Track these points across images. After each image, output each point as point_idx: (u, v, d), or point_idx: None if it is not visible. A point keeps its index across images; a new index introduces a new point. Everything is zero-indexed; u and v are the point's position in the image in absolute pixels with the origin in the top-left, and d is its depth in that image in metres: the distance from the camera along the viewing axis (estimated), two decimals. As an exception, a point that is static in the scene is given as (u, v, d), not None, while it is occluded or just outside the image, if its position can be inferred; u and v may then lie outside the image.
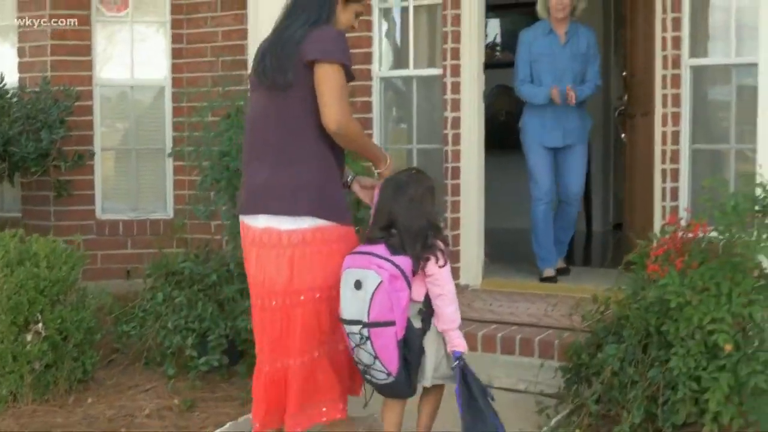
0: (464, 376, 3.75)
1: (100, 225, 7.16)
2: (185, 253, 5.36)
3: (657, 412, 4.08)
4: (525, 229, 6.66)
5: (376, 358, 3.70)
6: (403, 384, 3.80)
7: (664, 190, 5.73)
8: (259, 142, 3.85)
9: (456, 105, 6.25)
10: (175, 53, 7.23)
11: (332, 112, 3.65)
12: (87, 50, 7.13)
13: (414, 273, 3.73)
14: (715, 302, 3.92)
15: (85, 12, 7.12)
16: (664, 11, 5.67)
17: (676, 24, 5.67)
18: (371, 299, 3.65)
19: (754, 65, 5.20)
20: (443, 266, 3.77)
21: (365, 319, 3.66)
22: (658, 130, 5.74)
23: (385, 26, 6.68)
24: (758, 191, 4.14)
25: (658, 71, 5.72)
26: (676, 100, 5.69)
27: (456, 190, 6.22)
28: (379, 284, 3.65)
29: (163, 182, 7.33)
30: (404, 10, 6.62)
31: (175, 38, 7.23)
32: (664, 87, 5.71)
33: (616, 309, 4.39)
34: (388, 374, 3.74)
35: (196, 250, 5.46)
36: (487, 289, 6.15)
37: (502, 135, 7.99)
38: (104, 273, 6.94)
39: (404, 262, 3.71)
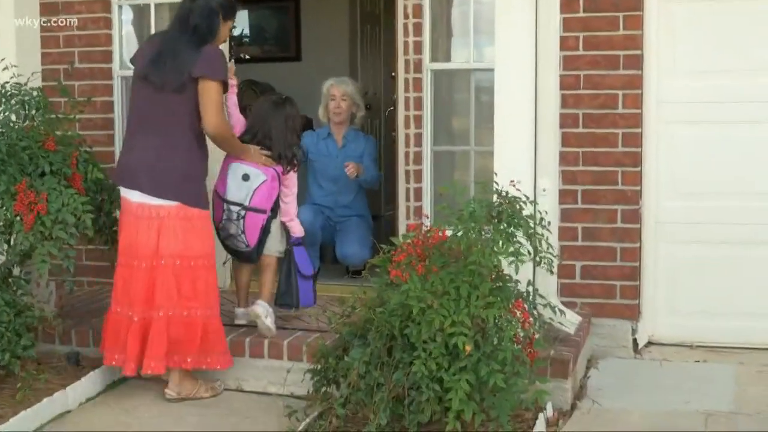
0: (295, 256, 5.30)
1: None
2: None
3: (403, 412, 4.16)
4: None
5: (243, 232, 5.13)
6: (254, 253, 5.23)
7: (408, 190, 5.85)
8: (145, 128, 4.80)
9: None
10: None
11: (212, 120, 4.73)
12: None
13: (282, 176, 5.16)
14: (455, 306, 4.04)
15: None
16: (406, 16, 5.77)
17: (417, 29, 5.78)
18: (255, 190, 5.07)
19: (492, 70, 5.40)
20: (295, 174, 5.26)
21: (246, 204, 5.09)
22: (401, 132, 5.84)
23: (125, 24, 6.47)
24: (494, 198, 4.30)
25: (401, 75, 5.82)
26: (418, 103, 5.81)
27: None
28: (263, 181, 5.08)
29: None
30: (145, 8, 6.42)
31: None
32: (406, 90, 5.81)
33: (362, 312, 4.44)
34: (247, 245, 5.18)
35: None
36: (234, 290, 6.02)
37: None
38: None
39: (279, 169, 5.14)
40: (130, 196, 4.84)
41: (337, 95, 6.61)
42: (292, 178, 5.27)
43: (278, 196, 5.20)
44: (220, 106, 4.79)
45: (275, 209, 5.21)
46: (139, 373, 4.87)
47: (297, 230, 5.34)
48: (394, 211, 6.24)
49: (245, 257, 5.30)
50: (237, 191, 5.11)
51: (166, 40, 4.83)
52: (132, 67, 5.13)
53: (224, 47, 5.54)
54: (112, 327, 4.94)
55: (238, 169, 5.11)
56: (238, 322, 5.39)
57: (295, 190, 5.32)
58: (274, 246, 5.29)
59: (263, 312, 5.15)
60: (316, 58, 9.52)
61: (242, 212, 5.10)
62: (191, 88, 4.72)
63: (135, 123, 4.90)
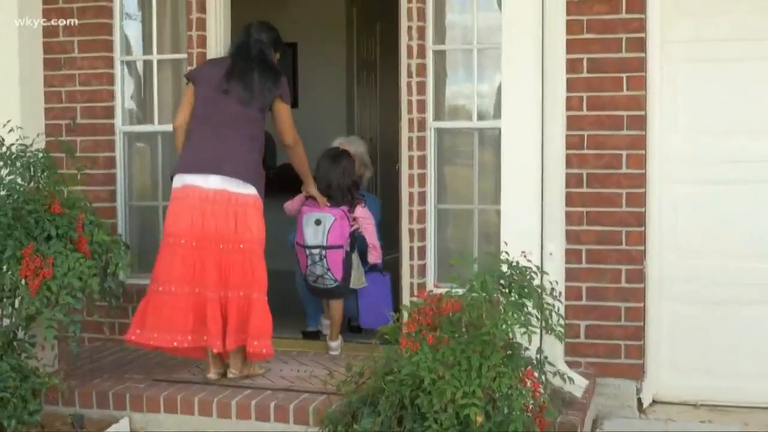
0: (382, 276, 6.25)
1: None
2: None
3: (414, 482, 4.15)
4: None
5: (328, 270, 5.91)
6: (343, 287, 6.01)
7: (411, 249, 5.86)
8: (223, 131, 5.34)
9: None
10: None
11: (292, 134, 5.61)
12: None
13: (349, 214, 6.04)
14: (466, 376, 4.03)
15: None
16: (410, 75, 5.80)
17: (421, 88, 5.82)
18: (328, 231, 5.88)
19: (494, 129, 5.49)
20: (364, 208, 6.11)
21: (324, 244, 5.89)
22: (405, 191, 5.85)
23: (128, 80, 6.49)
24: (504, 268, 4.31)
25: (405, 133, 5.84)
26: (422, 162, 5.84)
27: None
28: (333, 221, 5.90)
29: None
30: (148, 65, 6.47)
31: None
32: (410, 149, 5.83)
33: (372, 380, 4.43)
34: (335, 281, 5.96)
35: None
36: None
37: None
38: None
39: (344, 209, 6.00)
40: (206, 183, 5.28)
41: None
42: (363, 212, 6.11)
43: (354, 232, 6.08)
44: (293, 123, 5.62)
45: (353, 245, 6.07)
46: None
47: (373, 257, 6.16)
48: (395, 258, 6.29)
49: (337, 292, 6.05)
50: (314, 236, 5.92)
51: (243, 68, 5.44)
52: (187, 81, 5.60)
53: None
54: (171, 307, 5.28)
55: (310, 218, 5.95)
56: (333, 353, 6.06)
57: (371, 221, 6.15)
58: (358, 278, 6.12)
59: (337, 349, 6.11)
60: (313, 105, 9.54)
61: (323, 252, 5.89)
62: (267, 107, 5.47)
63: (209, 127, 5.39)
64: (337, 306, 6.12)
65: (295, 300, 6.62)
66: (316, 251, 5.92)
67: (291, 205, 6.17)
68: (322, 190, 6.03)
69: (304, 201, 6.08)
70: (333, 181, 6.07)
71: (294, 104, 9.67)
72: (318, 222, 5.93)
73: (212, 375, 5.41)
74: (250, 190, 5.30)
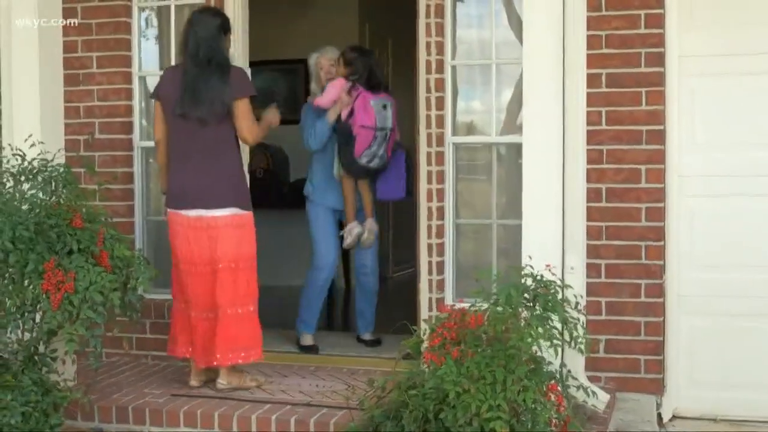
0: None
1: None
2: None
3: (439, 496, 4.14)
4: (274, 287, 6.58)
5: (385, 150, 6.30)
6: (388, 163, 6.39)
7: (430, 264, 5.86)
8: (194, 156, 5.31)
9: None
10: None
11: (251, 131, 5.34)
12: None
13: None
14: (491, 390, 4.03)
15: None
16: (428, 90, 5.82)
17: (440, 103, 5.84)
18: (392, 115, 6.35)
19: (513, 144, 5.52)
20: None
21: (390, 126, 6.33)
22: (423, 205, 5.86)
23: (146, 96, 6.50)
24: (529, 281, 4.31)
25: (423, 148, 5.86)
26: (440, 177, 5.85)
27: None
28: (394, 105, 6.40)
29: None
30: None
31: None
32: (429, 164, 5.84)
33: (395, 394, 4.42)
34: (385, 159, 6.33)
35: None
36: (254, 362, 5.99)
37: (260, 192, 7.92)
38: None
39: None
40: (187, 213, 5.38)
41: (326, 64, 6.64)
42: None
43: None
44: (252, 116, 5.36)
45: None
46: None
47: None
48: (413, 276, 6.30)
49: (381, 169, 6.38)
50: (383, 119, 6.29)
51: (192, 79, 5.28)
52: (153, 100, 5.65)
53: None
54: (181, 322, 5.58)
55: (378, 102, 6.32)
56: (372, 227, 6.54)
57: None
58: None
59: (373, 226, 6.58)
60: (324, 120, 9.53)
61: (388, 133, 6.31)
62: (228, 113, 5.28)
63: (181, 153, 5.39)
64: (353, 188, 6.50)
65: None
66: (381, 133, 6.28)
67: (329, 95, 6.37)
68: (364, 77, 6.35)
69: (347, 87, 6.33)
70: (375, 69, 6.46)
71: (305, 119, 9.86)
72: (385, 107, 6.31)
73: (194, 382, 5.64)
74: (226, 212, 5.35)
